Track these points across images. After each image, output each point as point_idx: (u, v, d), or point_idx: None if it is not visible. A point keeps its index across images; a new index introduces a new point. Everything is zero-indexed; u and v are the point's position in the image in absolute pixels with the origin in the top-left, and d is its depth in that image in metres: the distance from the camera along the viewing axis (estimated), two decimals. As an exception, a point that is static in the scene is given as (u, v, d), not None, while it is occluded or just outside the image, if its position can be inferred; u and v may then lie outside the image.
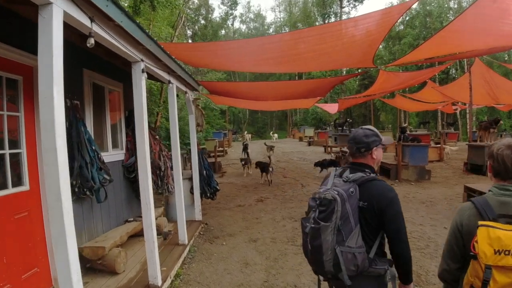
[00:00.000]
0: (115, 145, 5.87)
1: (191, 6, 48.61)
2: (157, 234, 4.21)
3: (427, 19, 38.24)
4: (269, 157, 12.87)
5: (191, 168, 7.29)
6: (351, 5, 45.09)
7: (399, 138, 13.35)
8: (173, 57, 6.37)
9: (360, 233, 1.99)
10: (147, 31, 3.89)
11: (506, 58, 38.26)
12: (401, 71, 26.09)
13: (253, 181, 11.74)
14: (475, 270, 1.62)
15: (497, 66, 27.71)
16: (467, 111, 19.65)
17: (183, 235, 5.56)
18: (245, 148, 17.91)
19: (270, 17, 72.73)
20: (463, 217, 1.77)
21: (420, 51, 9.30)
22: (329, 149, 19.09)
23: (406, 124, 28.63)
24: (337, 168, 2.26)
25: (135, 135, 3.91)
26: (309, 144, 24.07)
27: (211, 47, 7.41)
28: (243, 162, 13.38)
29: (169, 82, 5.26)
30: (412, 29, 38.35)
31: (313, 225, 1.95)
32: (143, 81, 3.85)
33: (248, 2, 55.34)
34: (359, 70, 36.23)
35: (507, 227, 1.57)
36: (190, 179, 7.23)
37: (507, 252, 1.53)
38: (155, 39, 4.07)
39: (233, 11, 53.30)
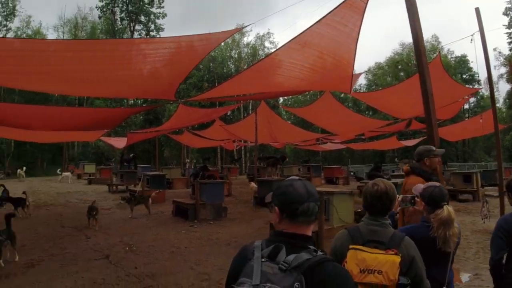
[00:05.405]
0: None
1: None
2: None
3: (211, 64, 42.02)
4: None
5: None
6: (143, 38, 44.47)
7: (196, 176, 13.03)
8: None
9: None
10: None
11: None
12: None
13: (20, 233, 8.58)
14: None
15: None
16: (253, 149, 21.72)
17: None
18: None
19: (51, 36, 62.78)
20: (338, 241, 2.05)
21: (219, 89, 9.43)
22: (114, 187, 17.04)
23: (190, 162, 29.33)
24: (262, 242, 1.34)
25: None
26: (90, 182, 20.91)
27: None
28: None
29: None
30: (197, 71, 41.13)
31: None
32: None
33: (29, 17, 45.30)
34: (144, 104, 35.39)
35: (372, 250, 1.87)
36: None
37: (370, 271, 1.80)
38: None
39: (8, 22, 42.42)
